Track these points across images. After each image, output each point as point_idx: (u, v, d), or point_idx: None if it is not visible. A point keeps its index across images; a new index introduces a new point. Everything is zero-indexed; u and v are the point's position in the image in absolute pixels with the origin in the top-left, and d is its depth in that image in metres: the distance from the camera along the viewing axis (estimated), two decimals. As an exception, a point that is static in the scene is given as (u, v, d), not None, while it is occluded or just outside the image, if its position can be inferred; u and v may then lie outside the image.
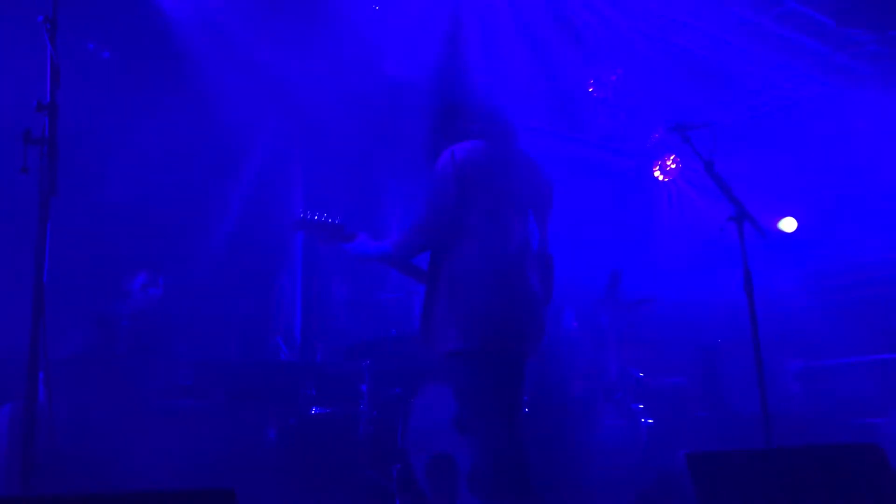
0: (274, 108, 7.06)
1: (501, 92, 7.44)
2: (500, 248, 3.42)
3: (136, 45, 6.43)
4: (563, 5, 7.24)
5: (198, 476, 4.50)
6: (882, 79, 8.18)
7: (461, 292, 3.36)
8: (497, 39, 7.32)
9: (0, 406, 4.62)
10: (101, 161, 6.06)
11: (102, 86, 5.98)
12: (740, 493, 2.73)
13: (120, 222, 6.06)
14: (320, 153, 7.54)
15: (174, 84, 6.45)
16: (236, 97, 6.64)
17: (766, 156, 8.78)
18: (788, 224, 9.09)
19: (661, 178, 9.81)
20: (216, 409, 5.30)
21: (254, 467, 5.07)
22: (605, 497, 5.67)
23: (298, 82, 6.95)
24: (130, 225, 6.11)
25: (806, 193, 8.86)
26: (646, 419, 6.51)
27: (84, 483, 4.13)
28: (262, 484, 4.98)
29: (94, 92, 5.67)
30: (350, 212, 7.55)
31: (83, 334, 5.27)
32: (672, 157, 9.66)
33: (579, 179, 8.79)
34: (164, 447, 4.58)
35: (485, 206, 3.41)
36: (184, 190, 6.55)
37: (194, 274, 6.39)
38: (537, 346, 3.51)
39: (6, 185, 3.21)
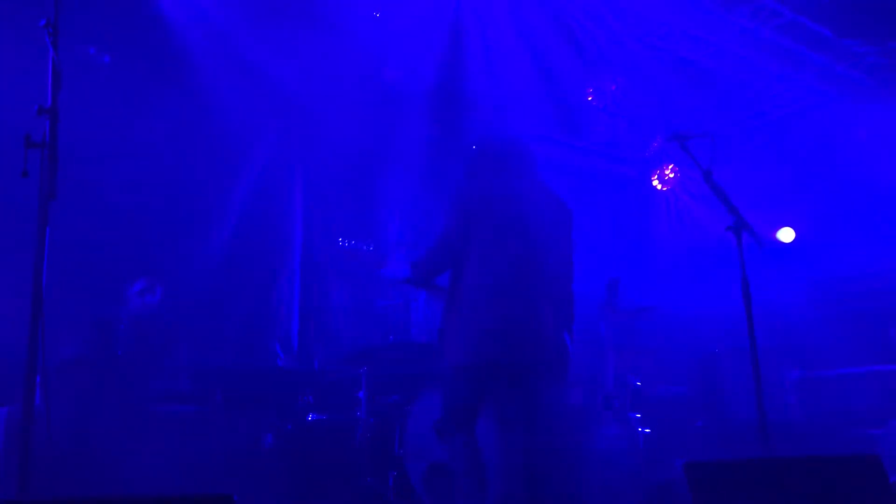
0: (273, 113, 7.07)
1: (502, 99, 7.49)
2: (494, 271, 3.74)
3: (137, 49, 6.43)
4: (564, 14, 7.25)
5: (194, 481, 4.49)
6: (881, 90, 8.20)
7: (461, 311, 3.76)
8: (497, 47, 7.34)
9: (-4, 410, 4.61)
10: (101, 166, 6.06)
11: (103, 90, 5.99)
12: (738, 503, 2.73)
13: (119, 227, 6.06)
14: (319, 158, 7.55)
15: (175, 89, 6.45)
16: (236, 103, 6.64)
17: (765, 166, 8.79)
18: (786, 234, 9.10)
19: (659, 187, 9.82)
20: (213, 414, 5.29)
21: (250, 473, 5.06)
22: (602, 505, 5.66)
23: (298, 87, 6.96)
24: (129, 229, 6.11)
25: (804, 204, 8.87)
26: (643, 428, 6.50)
27: (81, 487, 4.12)
28: (258, 490, 4.97)
29: (95, 96, 5.67)
30: (348, 218, 7.61)
31: (81, 338, 5.26)
32: (670, 167, 9.67)
33: (578, 187, 8.79)
34: (160, 452, 4.57)
35: (485, 234, 3.79)
36: (183, 195, 6.55)
37: (192, 279, 6.38)
38: (536, 362, 3.70)
39: (6, 188, 3.21)
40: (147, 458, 4.47)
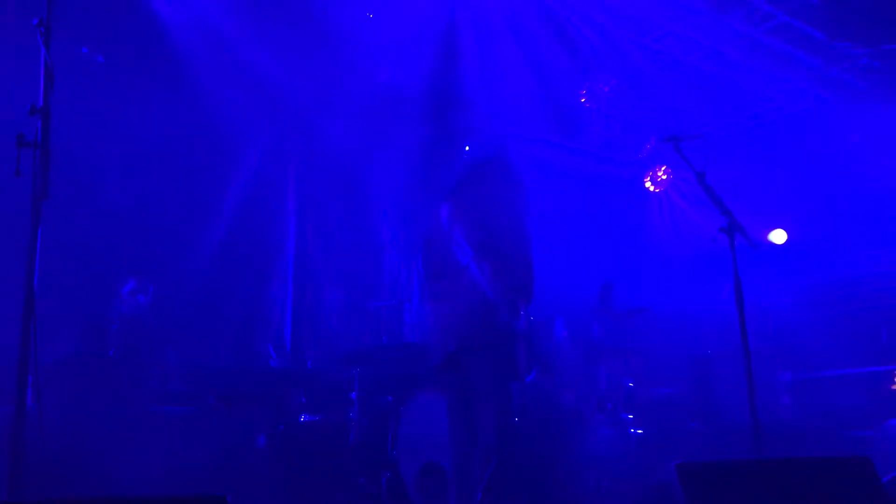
0: (267, 114, 7.05)
1: (496, 100, 7.49)
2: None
3: (130, 49, 6.41)
4: (558, 15, 7.26)
5: (186, 482, 4.48)
6: (873, 92, 8.22)
7: None
8: (492, 48, 7.34)
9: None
10: (94, 165, 6.04)
11: (96, 90, 5.96)
12: (730, 504, 2.74)
13: (112, 226, 6.03)
14: (312, 159, 7.54)
15: (168, 89, 6.43)
16: (230, 102, 6.62)
17: (758, 167, 8.82)
18: (778, 236, 9.13)
19: (652, 188, 9.83)
20: (206, 414, 5.27)
21: (242, 474, 5.04)
22: (595, 507, 5.66)
23: (291, 88, 6.95)
24: (122, 229, 6.08)
25: (797, 206, 8.89)
26: (636, 429, 6.51)
27: (73, 488, 4.10)
28: (251, 490, 4.96)
29: (88, 96, 5.65)
30: (341, 218, 7.60)
31: (73, 338, 5.24)
32: (663, 168, 9.68)
33: (571, 189, 8.81)
34: (153, 452, 4.55)
35: None
36: (176, 194, 6.53)
37: (186, 279, 6.37)
38: (461, 352, 3.99)
39: (-2, 188, 3.20)
40: (140, 458, 4.45)
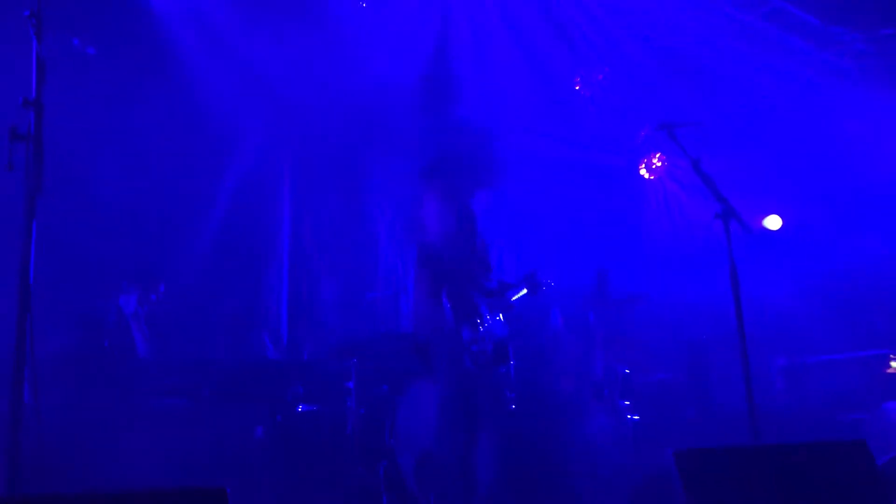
0: (261, 106, 7.03)
1: (490, 90, 7.47)
2: None
3: (122, 41, 6.37)
4: (551, 5, 7.24)
5: (184, 474, 4.48)
6: (867, 77, 8.22)
7: None
8: (485, 38, 7.33)
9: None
10: (88, 158, 6.00)
11: (88, 82, 5.93)
12: (728, 490, 2.75)
13: (106, 220, 6.01)
14: (308, 152, 7.52)
15: (161, 81, 6.40)
16: (224, 95, 6.60)
17: (752, 154, 8.81)
18: (773, 222, 9.13)
19: (647, 176, 9.83)
20: (203, 407, 5.27)
21: (240, 465, 5.05)
22: (592, 493, 5.68)
23: (286, 80, 6.92)
24: (117, 223, 6.06)
25: (791, 191, 8.90)
26: (633, 416, 6.53)
27: (71, 483, 4.10)
28: (249, 482, 4.96)
29: (80, 88, 5.62)
30: (337, 210, 7.59)
31: (69, 333, 5.23)
32: (658, 156, 9.67)
33: (566, 178, 8.80)
34: (150, 446, 4.55)
35: None
36: (171, 187, 6.50)
37: (181, 271, 6.35)
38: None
39: (-9, 182, 3.18)
40: (138, 451, 4.46)
